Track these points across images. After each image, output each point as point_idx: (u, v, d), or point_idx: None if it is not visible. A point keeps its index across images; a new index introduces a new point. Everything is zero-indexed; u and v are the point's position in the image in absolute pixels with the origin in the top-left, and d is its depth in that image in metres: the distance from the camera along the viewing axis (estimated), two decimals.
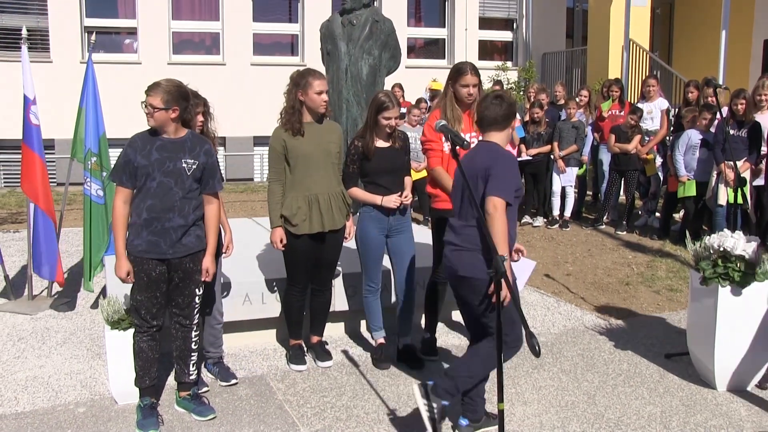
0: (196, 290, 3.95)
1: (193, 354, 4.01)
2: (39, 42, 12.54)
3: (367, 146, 4.47)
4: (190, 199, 3.80)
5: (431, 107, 8.13)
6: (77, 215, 9.55)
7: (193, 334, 3.99)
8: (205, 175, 3.87)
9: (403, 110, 10.50)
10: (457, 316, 5.62)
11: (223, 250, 4.42)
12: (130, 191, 3.76)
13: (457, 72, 4.52)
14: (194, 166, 3.80)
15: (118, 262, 3.75)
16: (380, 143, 4.52)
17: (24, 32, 5.87)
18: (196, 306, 3.98)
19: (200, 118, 4.25)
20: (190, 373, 4.03)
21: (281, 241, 4.43)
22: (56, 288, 6.13)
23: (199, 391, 4.13)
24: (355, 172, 4.52)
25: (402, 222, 4.63)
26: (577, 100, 9.38)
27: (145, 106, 3.73)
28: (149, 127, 3.80)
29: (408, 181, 4.68)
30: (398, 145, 4.59)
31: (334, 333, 5.16)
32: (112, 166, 3.96)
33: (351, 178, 4.53)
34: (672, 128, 8.96)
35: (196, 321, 4.00)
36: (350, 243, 4.74)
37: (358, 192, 4.54)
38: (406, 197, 4.55)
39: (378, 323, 4.75)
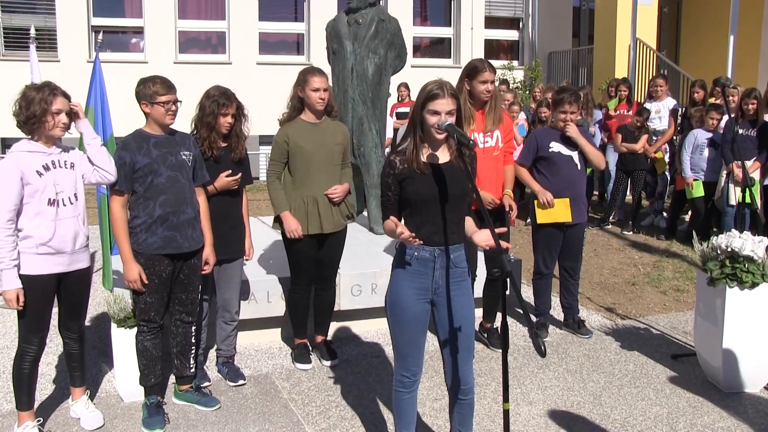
0: (199, 286, 3.98)
1: (192, 347, 4.06)
2: (47, 41, 12.57)
3: (413, 163, 3.07)
4: (192, 191, 3.87)
5: None
6: None
7: (193, 329, 4.04)
8: (196, 167, 3.93)
9: (406, 110, 10.48)
10: None
11: (247, 257, 4.44)
12: (127, 196, 3.76)
13: (474, 69, 4.54)
14: (191, 158, 3.87)
15: (128, 265, 3.73)
16: (432, 157, 3.11)
17: (32, 32, 5.88)
18: (198, 302, 4.02)
19: (228, 119, 4.11)
20: (191, 366, 4.08)
21: (296, 231, 4.31)
22: None
23: (201, 385, 4.17)
24: (392, 200, 3.13)
25: (453, 278, 3.14)
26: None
27: (173, 104, 3.76)
28: (164, 126, 3.81)
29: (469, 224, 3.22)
30: (458, 161, 3.10)
31: (339, 332, 5.16)
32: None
33: (387, 207, 3.15)
34: (680, 128, 8.93)
35: (196, 316, 4.05)
36: (357, 241, 4.72)
37: (390, 225, 3.06)
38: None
39: (409, 426, 3.28)
